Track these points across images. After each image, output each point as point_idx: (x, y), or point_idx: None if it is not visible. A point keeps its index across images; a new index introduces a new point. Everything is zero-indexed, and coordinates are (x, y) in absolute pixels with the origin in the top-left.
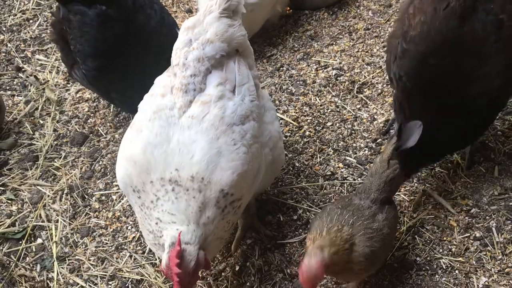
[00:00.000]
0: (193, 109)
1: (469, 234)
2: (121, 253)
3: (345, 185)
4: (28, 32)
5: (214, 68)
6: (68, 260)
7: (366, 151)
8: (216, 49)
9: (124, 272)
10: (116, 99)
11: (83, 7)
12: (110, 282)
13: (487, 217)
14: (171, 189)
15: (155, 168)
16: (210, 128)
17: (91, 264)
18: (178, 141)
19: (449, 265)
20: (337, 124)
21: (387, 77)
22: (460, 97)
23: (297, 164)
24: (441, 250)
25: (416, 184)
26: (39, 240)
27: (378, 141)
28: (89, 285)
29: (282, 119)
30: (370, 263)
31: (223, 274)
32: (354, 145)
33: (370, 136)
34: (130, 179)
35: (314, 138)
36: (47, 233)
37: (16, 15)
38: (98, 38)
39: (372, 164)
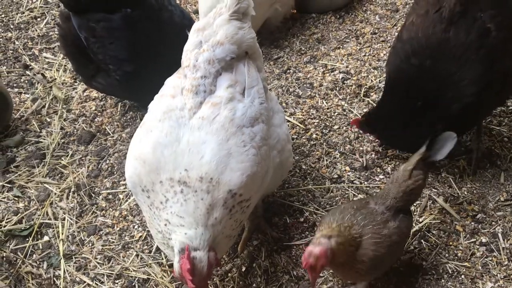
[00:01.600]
0: (203, 110)
1: (475, 240)
2: (127, 252)
3: (351, 188)
4: (36, 30)
5: (224, 70)
6: (75, 258)
7: (373, 155)
8: (226, 51)
9: (131, 271)
10: (148, 100)
11: (105, 14)
12: (117, 281)
13: (493, 223)
14: (180, 190)
15: (164, 168)
16: (220, 129)
17: (98, 263)
18: (188, 142)
19: (455, 270)
20: (344, 128)
21: None
22: (436, 100)
23: (304, 167)
24: (447, 255)
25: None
26: (46, 238)
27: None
28: (95, 283)
29: (289, 121)
30: (373, 266)
31: (229, 274)
32: (361, 148)
33: (377, 140)
34: (139, 179)
35: (321, 141)
36: (53, 230)
37: (24, 13)
38: (131, 41)
39: (395, 171)
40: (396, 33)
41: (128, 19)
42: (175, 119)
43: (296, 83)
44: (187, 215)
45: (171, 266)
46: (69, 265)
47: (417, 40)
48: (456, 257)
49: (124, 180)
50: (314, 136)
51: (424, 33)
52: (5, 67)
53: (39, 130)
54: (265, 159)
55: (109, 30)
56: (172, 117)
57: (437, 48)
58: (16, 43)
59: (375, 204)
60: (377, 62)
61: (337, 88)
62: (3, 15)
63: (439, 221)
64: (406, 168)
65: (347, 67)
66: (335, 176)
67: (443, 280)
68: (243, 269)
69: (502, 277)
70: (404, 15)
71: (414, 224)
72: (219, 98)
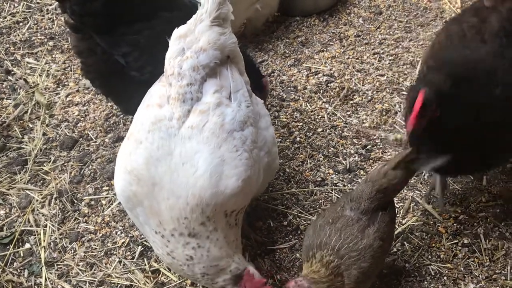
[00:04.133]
0: (192, 118)
1: (457, 241)
2: (110, 259)
3: (335, 191)
4: (18, 35)
5: (208, 76)
6: (57, 265)
7: (356, 157)
8: (210, 57)
9: (113, 278)
10: None
11: (142, 23)
12: None
13: (475, 224)
14: (197, 245)
15: (158, 182)
16: (211, 137)
17: (80, 270)
18: (180, 154)
19: (437, 272)
20: (328, 130)
21: (377, 84)
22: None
23: (287, 170)
24: (429, 257)
25: (405, 191)
26: (27, 245)
27: (367, 147)
28: None
29: (274, 124)
30: (360, 282)
31: None
32: (344, 151)
33: (360, 142)
34: (136, 198)
35: (305, 144)
36: (35, 238)
37: (5, 17)
38: None
39: (372, 170)
40: (380, 35)
41: (173, 21)
42: (165, 130)
43: (280, 86)
44: (219, 260)
45: (154, 272)
46: (50, 273)
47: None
48: (438, 259)
49: (107, 185)
50: (298, 139)
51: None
52: None
53: (21, 136)
54: (257, 161)
55: (156, 37)
56: (162, 128)
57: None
58: None
59: (350, 211)
60: (360, 64)
61: (321, 91)
62: None
63: (422, 223)
64: (384, 168)
65: (331, 70)
66: (319, 179)
67: (425, 282)
68: None
69: (484, 277)
70: (387, 17)
71: (397, 226)
72: (206, 104)
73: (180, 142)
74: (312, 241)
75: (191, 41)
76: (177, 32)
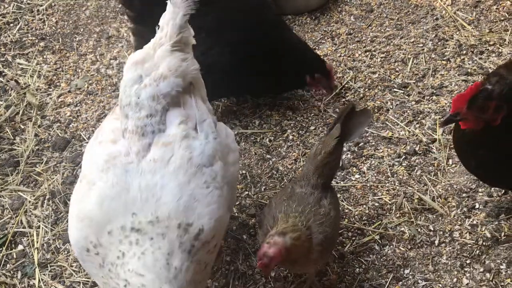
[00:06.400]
0: (154, 152)
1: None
2: None
3: None
4: (9, 36)
5: (171, 105)
6: (50, 266)
7: (349, 155)
8: (172, 85)
9: None
10: None
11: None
12: None
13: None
14: (135, 241)
15: (113, 219)
16: (179, 170)
17: (73, 270)
18: (139, 188)
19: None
20: (320, 128)
21: (368, 81)
22: None
23: (280, 168)
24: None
25: (397, 187)
26: (20, 247)
27: (360, 144)
28: None
29: (266, 122)
30: (326, 248)
31: None
32: None
33: (352, 140)
34: (86, 241)
35: (298, 142)
36: (28, 239)
37: None
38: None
39: (313, 148)
40: (371, 33)
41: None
42: (121, 166)
43: None
44: (147, 271)
45: None
46: (44, 274)
47: None
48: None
49: None
50: (290, 137)
51: None
52: None
53: (12, 138)
54: (228, 199)
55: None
56: (117, 164)
57: None
58: None
59: (301, 188)
60: (352, 62)
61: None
62: None
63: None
64: (325, 151)
65: None
66: None
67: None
68: (219, 272)
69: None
70: (379, 15)
71: (391, 223)
72: (171, 137)
73: (138, 176)
74: (271, 214)
75: (150, 68)
76: (133, 57)
